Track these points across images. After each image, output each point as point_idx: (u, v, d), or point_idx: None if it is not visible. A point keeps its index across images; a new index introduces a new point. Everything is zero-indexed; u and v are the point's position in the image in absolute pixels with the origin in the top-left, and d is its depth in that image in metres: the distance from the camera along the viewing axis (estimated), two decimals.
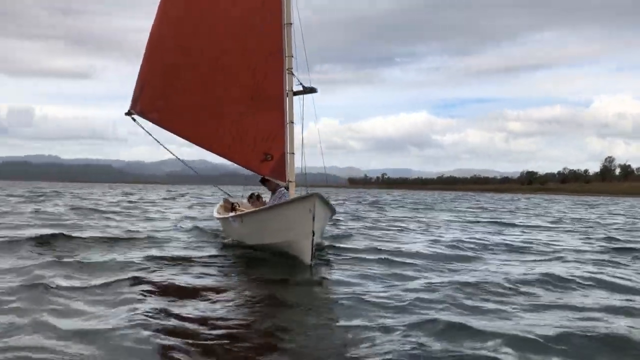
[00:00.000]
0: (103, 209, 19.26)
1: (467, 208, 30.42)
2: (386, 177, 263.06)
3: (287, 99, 8.45)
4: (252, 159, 8.50)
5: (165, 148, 9.62)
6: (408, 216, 20.40)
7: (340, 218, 16.19)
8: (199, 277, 6.41)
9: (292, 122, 8.55)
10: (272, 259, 7.36)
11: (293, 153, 8.59)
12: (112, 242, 8.90)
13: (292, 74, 8.56)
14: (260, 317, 4.78)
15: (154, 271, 6.63)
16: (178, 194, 44.08)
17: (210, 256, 7.79)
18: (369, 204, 33.29)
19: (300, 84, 8.64)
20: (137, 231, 10.79)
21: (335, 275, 6.67)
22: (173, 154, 9.63)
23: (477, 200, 50.14)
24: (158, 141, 9.56)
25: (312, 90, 8.69)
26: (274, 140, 8.41)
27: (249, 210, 8.23)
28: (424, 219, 18.40)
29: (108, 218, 14.96)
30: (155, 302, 5.05)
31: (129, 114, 8.89)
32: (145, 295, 5.31)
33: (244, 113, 8.38)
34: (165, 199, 33.90)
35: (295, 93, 8.59)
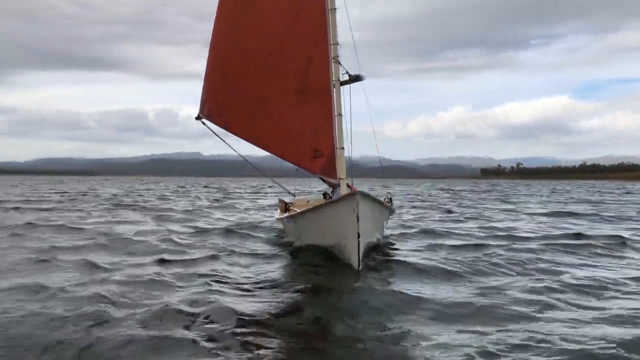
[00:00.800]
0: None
1: None
2: (521, 166, 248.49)
3: (334, 89, 7.88)
4: (304, 157, 8.06)
5: (234, 149, 9.43)
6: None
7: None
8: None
9: (340, 115, 7.96)
10: (326, 262, 6.92)
11: (343, 148, 8.00)
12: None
13: (339, 63, 7.96)
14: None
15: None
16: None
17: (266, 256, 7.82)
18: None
19: (347, 72, 8.01)
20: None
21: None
22: (240, 155, 9.48)
23: None
24: (226, 142, 9.42)
25: (357, 78, 8.03)
26: (322, 135, 7.89)
27: (299, 211, 7.83)
28: None
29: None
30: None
31: (198, 118, 8.91)
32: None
33: (294, 108, 7.96)
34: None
35: (343, 83, 7.99)
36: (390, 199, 9.13)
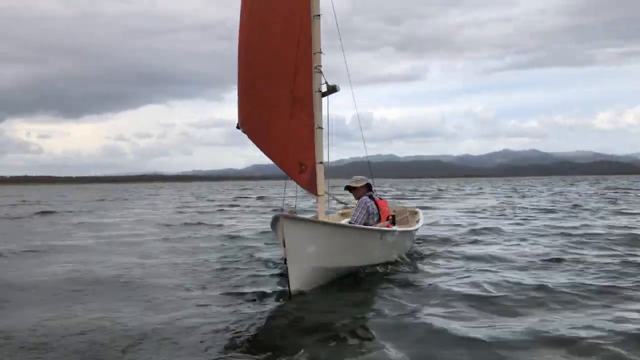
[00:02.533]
0: None
1: None
2: None
3: (315, 100, 7.40)
4: (293, 170, 7.71)
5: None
6: None
7: None
8: None
9: (321, 128, 7.45)
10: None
11: (322, 162, 7.47)
12: None
13: (321, 73, 7.46)
14: None
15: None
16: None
17: None
18: None
19: (326, 82, 7.46)
20: None
21: None
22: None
23: None
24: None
25: (334, 89, 7.41)
26: (306, 148, 7.47)
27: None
28: None
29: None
30: None
31: (238, 127, 9.04)
32: None
33: (287, 121, 7.68)
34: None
35: (324, 94, 7.46)
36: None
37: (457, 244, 9.98)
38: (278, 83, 7.59)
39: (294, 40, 7.50)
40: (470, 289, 6.07)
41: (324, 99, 7.48)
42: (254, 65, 7.84)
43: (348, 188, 8.61)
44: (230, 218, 18.28)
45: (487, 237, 10.96)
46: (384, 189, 43.14)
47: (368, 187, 8.55)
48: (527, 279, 6.50)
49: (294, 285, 5.63)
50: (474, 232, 12.01)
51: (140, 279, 6.98)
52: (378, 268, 7.16)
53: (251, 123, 8.23)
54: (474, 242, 10.38)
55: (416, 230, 9.07)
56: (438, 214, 17.99)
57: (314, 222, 5.88)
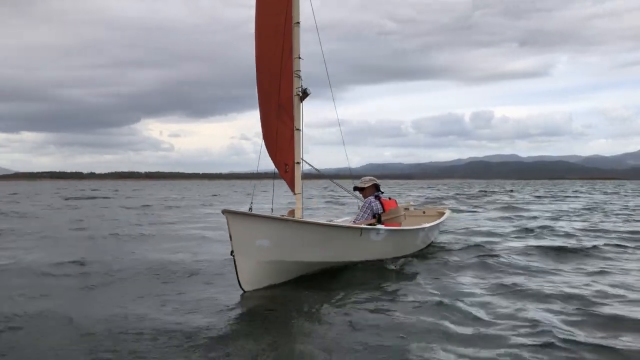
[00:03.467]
0: None
1: None
2: None
3: (295, 103, 7.75)
4: (281, 170, 8.16)
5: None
6: None
7: None
8: None
9: (299, 130, 7.79)
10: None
11: (299, 162, 7.79)
12: None
13: (299, 77, 7.81)
14: None
15: None
16: None
17: None
18: None
19: (301, 87, 7.78)
20: None
21: None
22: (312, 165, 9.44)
23: None
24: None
25: (305, 93, 7.68)
26: (289, 149, 7.88)
27: None
28: None
29: None
30: None
31: None
32: None
33: (275, 122, 8.16)
34: None
35: (301, 98, 7.78)
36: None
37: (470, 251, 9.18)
38: (270, 87, 8.08)
39: (279, 47, 7.96)
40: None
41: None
42: (258, 71, 8.38)
43: (357, 188, 8.89)
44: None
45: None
46: (495, 196, 36.07)
47: (376, 187, 8.78)
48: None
49: (242, 278, 6.01)
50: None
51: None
52: (391, 265, 7.50)
53: (262, 126, 8.76)
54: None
55: (420, 229, 8.95)
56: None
57: (257, 216, 6.19)
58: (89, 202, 28.84)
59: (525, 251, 9.06)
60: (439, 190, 53.74)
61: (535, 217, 16.66)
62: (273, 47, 8.03)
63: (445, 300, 5.33)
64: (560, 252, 8.81)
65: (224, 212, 5.89)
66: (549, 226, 13.11)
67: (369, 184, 8.80)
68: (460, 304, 5.19)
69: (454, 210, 16.69)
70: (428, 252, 9.10)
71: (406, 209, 11.76)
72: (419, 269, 7.48)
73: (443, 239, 10.88)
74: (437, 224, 10.00)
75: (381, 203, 8.43)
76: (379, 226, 8.08)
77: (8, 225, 13.88)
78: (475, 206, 23.46)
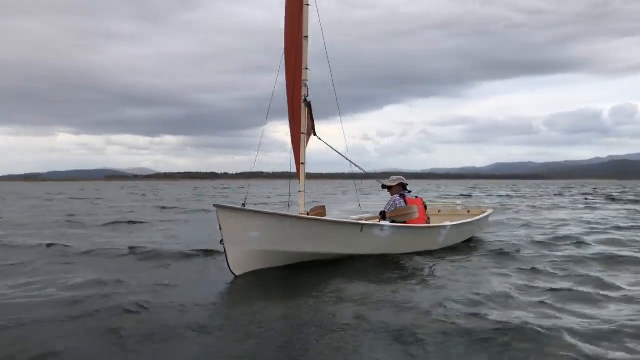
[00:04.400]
0: None
1: None
2: None
3: (302, 109, 8.52)
4: (297, 170, 9.02)
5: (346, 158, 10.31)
6: None
7: None
8: None
9: (304, 134, 8.55)
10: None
11: (303, 163, 8.56)
12: None
13: (306, 86, 8.58)
14: None
15: None
16: None
17: None
18: None
19: (306, 95, 8.54)
20: None
21: None
22: (352, 162, 10.15)
23: None
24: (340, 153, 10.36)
25: (305, 100, 8.41)
26: (297, 151, 8.73)
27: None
28: None
29: None
30: None
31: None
32: None
33: (292, 127, 9.06)
34: None
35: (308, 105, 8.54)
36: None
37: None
38: (289, 94, 9.01)
39: (293, 58, 8.86)
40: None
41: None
42: (287, 79, 9.35)
43: (385, 187, 9.58)
44: None
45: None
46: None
47: (402, 186, 9.41)
48: None
49: (232, 264, 6.98)
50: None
51: None
52: (401, 260, 7.95)
53: (290, 129, 9.73)
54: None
55: (434, 227, 9.25)
56: None
57: (249, 211, 7.10)
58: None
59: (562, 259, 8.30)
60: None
61: None
62: (293, 58, 8.95)
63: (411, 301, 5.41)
64: None
65: (215, 206, 6.88)
66: None
67: (396, 182, 9.41)
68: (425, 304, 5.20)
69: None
70: (455, 249, 9.25)
71: (439, 210, 12.13)
72: (424, 265, 7.71)
73: (491, 238, 11.01)
74: (462, 223, 10.15)
75: (405, 201, 8.99)
76: (383, 223, 8.61)
77: None
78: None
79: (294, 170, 9.04)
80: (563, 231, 12.19)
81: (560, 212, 19.14)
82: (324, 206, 10.01)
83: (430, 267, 7.59)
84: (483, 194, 38.95)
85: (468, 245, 10.01)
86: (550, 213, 18.65)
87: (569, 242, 10.19)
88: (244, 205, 7.41)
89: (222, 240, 6.75)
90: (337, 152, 9.61)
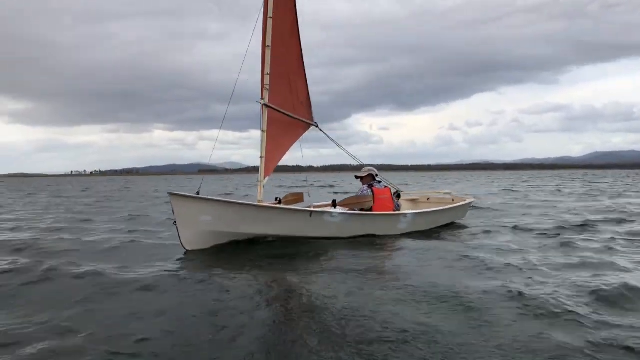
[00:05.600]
0: None
1: None
2: None
3: (263, 111, 9.71)
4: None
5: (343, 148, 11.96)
6: None
7: None
8: None
9: (264, 131, 9.73)
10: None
11: (262, 157, 9.73)
12: None
13: (267, 89, 9.77)
14: None
15: None
16: None
17: None
18: None
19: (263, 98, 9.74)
20: None
21: None
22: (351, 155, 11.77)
23: None
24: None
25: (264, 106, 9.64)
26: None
27: None
28: None
29: None
30: None
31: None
32: None
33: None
34: None
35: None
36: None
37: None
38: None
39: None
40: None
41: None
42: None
43: (357, 177, 10.76)
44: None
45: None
46: None
47: (372, 177, 10.57)
48: None
49: (184, 241, 8.42)
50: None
51: None
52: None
53: None
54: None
55: (386, 214, 10.23)
56: None
57: (200, 198, 8.47)
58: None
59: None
60: None
61: None
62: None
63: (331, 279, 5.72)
64: None
65: (169, 194, 8.30)
66: None
67: (366, 174, 10.53)
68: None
69: None
70: (418, 235, 9.85)
71: (414, 199, 13.19)
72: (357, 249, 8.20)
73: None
74: (428, 211, 11.05)
75: (372, 191, 10.07)
76: (332, 210, 9.72)
77: None
78: None
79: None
80: None
81: None
82: (301, 193, 11.36)
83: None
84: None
85: (446, 230, 10.96)
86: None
87: None
88: (197, 193, 8.80)
89: (174, 222, 8.17)
90: (336, 144, 11.06)
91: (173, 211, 8.08)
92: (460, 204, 12.10)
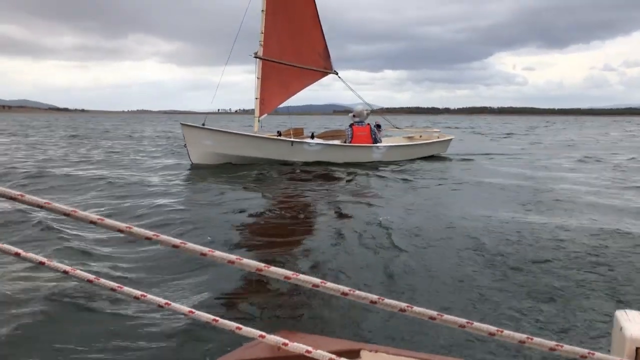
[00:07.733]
0: None
1: None
2: None
3: (257, 63, 12.70)
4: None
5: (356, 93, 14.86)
6: None
7: None
8: None
9: (258, 78, 12.74)
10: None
11: (257, 98, 12.83)
12: None
13: (261, 46, 12.72)
14: None
15: None
16: None
17: None
18: None
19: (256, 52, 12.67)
20: None
21: None
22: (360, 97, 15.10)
23: None
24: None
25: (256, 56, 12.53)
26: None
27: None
28: None
29: None
30: None
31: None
32: None
33: None
34: None
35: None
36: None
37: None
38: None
39: None
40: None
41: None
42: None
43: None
44: None
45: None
46: None
47: (352, 118, 13.56)
48: None
49: (192, 157, 12.01)
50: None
51: None
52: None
53: None
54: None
55: (373, 147, 13.15)
56: None
57: (204, 128, 11.94)
58: None
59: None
60: None
61: None
62: None
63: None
64: None
65: (181, 124, 11.89)
66: None
67: (350, 115, 13.48)
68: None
69: None
70: (384, 165, 12.60)
71: (410, 137, 15.88)
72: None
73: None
74: (399, 145, 13.89)
75: (352, 129, 13.05)
76: (310, 140, 12.72)
77: None
78: None
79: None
80: None
81: None
82: (302, 128, 14.64)
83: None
84: None
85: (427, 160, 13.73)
86: None
87: None
88: (203, 124, 12.27)
89: (184, 145, 11.78)
90: (352, 90, 14.47)
91: (184, 137, 11.64)
92: (434, 140, 14.63)
